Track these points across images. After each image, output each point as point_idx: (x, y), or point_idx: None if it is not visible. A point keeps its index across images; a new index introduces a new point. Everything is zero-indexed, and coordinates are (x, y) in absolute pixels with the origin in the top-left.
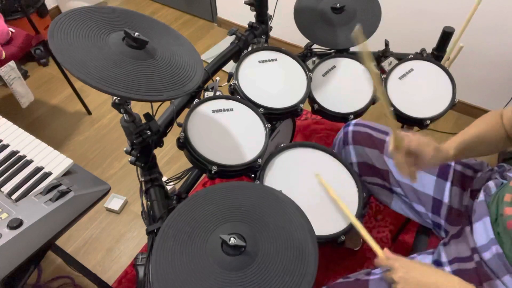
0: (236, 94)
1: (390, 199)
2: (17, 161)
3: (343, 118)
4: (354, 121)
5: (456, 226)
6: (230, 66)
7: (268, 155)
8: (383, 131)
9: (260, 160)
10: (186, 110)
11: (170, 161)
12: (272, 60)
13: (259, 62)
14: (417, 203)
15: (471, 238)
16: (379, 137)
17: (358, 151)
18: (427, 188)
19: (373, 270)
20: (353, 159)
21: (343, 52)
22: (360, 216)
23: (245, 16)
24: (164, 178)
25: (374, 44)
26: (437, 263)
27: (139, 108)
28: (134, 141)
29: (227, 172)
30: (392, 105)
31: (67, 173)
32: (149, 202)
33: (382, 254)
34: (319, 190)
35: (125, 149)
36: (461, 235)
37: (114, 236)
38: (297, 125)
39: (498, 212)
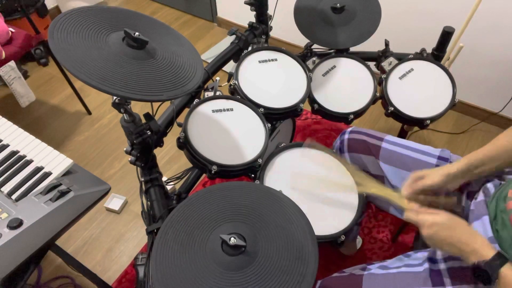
0: (236, 94)
1: (387, 204)
2: (17, 161)
3: (343, 118)
4: (350, 129)
5: None
6: (230, 66)
7: (268, 155)
8: (378, 137)
9: (260, 160)
10: (186, 110)
11: (170, 161)
12: (272, 60)
13: (259, 62)
14: None
15: None
16: (374, 143)
17: (354, 158)
18: None
19: (369, 265)
20: None
21: (343, 52)
22: (360, 215)
23: (245, 16)
24: (164, 178)
25: (374, 44)
26: (432, 260)
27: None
28: (134, 141)
29: (227, 172)
30: (393, 106)
31: (67, 173)
32: (149, 202)
33: (407, 206)
34: (319, 190)
35: (125, 149)
36: None
37: (114, 236)
38: (297, 125)
39: (497, 209)
